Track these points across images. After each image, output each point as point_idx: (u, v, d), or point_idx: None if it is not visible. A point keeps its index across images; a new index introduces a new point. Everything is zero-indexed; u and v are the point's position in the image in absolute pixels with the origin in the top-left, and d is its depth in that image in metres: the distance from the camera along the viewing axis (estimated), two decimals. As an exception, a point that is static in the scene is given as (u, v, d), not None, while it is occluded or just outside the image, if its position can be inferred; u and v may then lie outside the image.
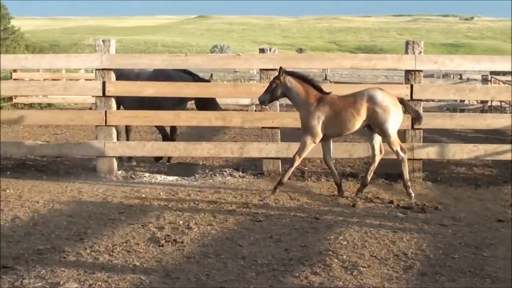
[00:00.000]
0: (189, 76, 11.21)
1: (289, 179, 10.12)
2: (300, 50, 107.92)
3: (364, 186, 9.11)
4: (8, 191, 9.19)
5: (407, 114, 9.24)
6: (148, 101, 10.89)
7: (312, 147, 8.95)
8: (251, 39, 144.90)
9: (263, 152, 10.31)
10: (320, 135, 8.84)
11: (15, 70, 25.16)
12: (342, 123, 8.76)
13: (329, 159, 9.15)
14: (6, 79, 25.15)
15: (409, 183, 8.91)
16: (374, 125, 8.75)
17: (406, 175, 8.90)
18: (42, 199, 8.64)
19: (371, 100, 8.63)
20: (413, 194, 8.79)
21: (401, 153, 8.81)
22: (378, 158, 9.07)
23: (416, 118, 9.08)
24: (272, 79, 9.16)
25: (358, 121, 8.70)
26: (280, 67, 9.01)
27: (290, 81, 8.90)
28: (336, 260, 6.00)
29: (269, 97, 8.99)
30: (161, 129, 11.71)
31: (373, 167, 9.09)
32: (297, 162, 9.05)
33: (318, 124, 8.77)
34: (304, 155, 9.04)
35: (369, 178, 9.11)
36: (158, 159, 11.62)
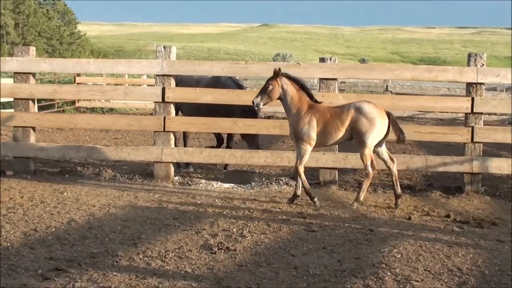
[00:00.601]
0: (234, 84, 11.26)
1: (344, 189, 10.09)
2: (363, 61, 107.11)
3: (398, 197, 8.98)
4: (65, 193, 9.34)
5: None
6: (206, 108, 10.94)
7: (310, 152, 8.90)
8: (313, 48, 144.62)
9: (320, 162, 10.24)
10: (314, 138, 8.76)
11: (78, 75, 25.66)
12: (328, 133, 8.74)
13: (301, 167, 8.97)
14: (69, 83, 25.73)
15: (362, 196, 8.84)
16: (354, 134, 8.66)
17: (364, 188, 8.85)
18: (99, 202, 8.75)
19: (358, 111, 8.59)
20: (355, 205, 8.75)
21: (369, 168, 8.70)
22: (393, 167, 8.97)
23: (399, 136, 8.83)
24: (267, 81, 8.91)
25: (342, 132, 8.69)
26: (279, 68, 8.87)
27: (287, 84, 8.82)
28: (389, 273, 5.92)
29: (264, 99, 8.84)
30: (217, 134, 11.79)
31: (395, 177, 8.98)
32: (301, 172, 8.91)
33: (309, 130, 8.71)
34: (305, 162, 8.93)
35: (398, 188, 8.99)
36: (187, 164, 11.70)
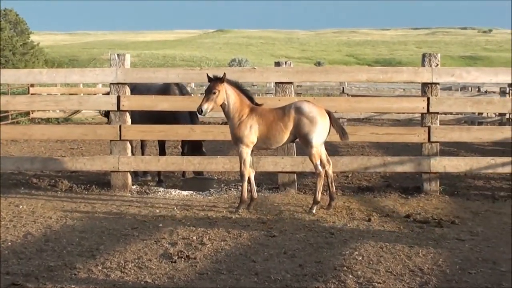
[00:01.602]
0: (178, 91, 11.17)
1: (304, 193, 10.09)
2: (318, 64, 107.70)
3: (332, 200, 9.01)
4: (21, 206, 9.18)
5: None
6: (157, 115, 10.81)
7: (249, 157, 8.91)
8: (269, 53, 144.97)
9: (279, 166, 10.23)
10: (253, 142, 8.77)
11: (32, 85, 25.32)
12: (272, 136, 8.74)
13: (251, 170, 9.03)
14: (23, 94, 25.36)
15: (319, 197, 8.81)
16: (299, 135, 8.69)
17: (319, 189, 8.78)
18: (55, 214, 8.61)
19: (298, 111, 8.61)
20: (314, 210, 8.75)
21: (319, 167, 8.75)
22: (329, 169, 8.97)
23: (341, 134, 8.87)
24: (210, 86, 8.77)
25: (286, 134, 8.70)
26: (224, 73, 8.80)
27: (229, 88, 8.78)
28: (351, 276, 5.92)
29: (211, 106, 8.72)
30: (160, 143, 11.67)
31: (330, 179, 9.00)
32: (246, 175, 8.90)
33: (250, 133, 8.70)
34: (248, 165, 8.91)
35: (333, 191, 9.04)
36: (145, 172, 11.62)
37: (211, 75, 8.76)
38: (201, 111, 8.67)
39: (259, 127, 8.72)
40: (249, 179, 8.95)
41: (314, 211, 8.72)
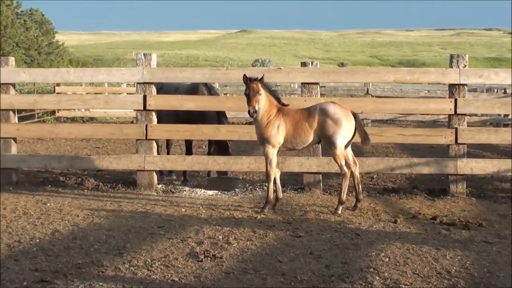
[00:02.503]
0: (207, 91, 11.18)
1: (329, 193, 10.07)
2: (342, 65, 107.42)
3: (359, 201, 8.99)
4: (48, 204, 9.26)
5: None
6: (183, 115, 10.85)
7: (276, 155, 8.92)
8: (292, 53, 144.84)
9: (304, 167, 10.22)
10: (280, 142, 8.78)
11: (58, 84, 25.50)
12: (298, 136, 8.73)
13: (277, 171, 9.04)
14: (49, 93, 25.55)
15: (344, 197, 8.79)
16: (323, 137, 8.65)
17: (344, 190, 8.75)
18: (82, 212, 8.67)
19: (323, 113, 8.58)
20: (339, 210, 8.71)
21: (344, 168, 8.71)
22: (355, 170, 8.93)
23: (364, 138, 8.82)
24: (253, 87, 8.58)
25: (311, 135, 8.68)
26: (263, 74, 8.80)
27: (263, 90, 8.79)
28: (377, 278, 5.89)
29: (258, 106, 8.63)
30: (187, 143, 11.70)
31: (357, 181, 8.97)
32: (272, 176, 8.90)
33: (277, 133, 8.71)
34: (274, 165, 8.92)
35: (360, 193, 9.02)
36: (170, 172, 11.66)
37: (249, 76, 8.70)
38: (254, 111, 8.57)
39: (286, 127, 8.72)
40: (274, 179, 8.95)
41: (339, 211, 8.69)
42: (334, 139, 8.55)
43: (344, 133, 8.57)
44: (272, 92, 8.95)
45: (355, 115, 8.75)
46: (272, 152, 8.83)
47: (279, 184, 9.10)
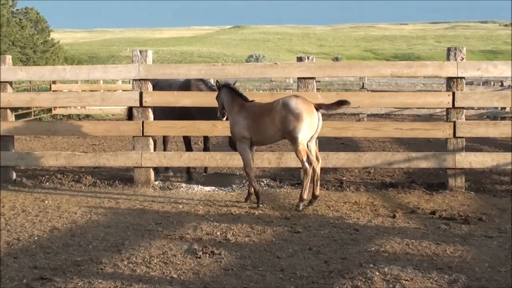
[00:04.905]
0: (204, 86, 11.17)
1: (326, 189, 10.05)
2: (336, 59, 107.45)
3: (315, 198, 8.94)
4: (46, 201, 9.25)
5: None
6: (179, 111, 10.82)
7: (249, 151, 9.01)
8: (286, 48, 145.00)
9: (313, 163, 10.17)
10: (245, 137, 8.87)
11: (54, 82, 25.48)
12: (261, 130, 8.74)
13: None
14: (45, 91, 25.51)
15: (305, 194, 8.68)
16: (284, 132, 8.55)
17: (305, 186, 8.62)
18: (80, 210, 8.66)
19: (285, 107, 8.46)
20: (301, 205, 8.65)
21: (306, 164, 8.55)
22: (317, 167, 8.86)
23: (339, 103, 8.60)
24: (218, 95, 9.38)
25: (275, 129, 8.62)
26: (216, 81, 9.39)
27: (222, 91, 9.21)
28: (377, 273, 5.85)
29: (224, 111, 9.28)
30: (186, 139, 11.67)
31: (317, 177, 8.90)
32: (250, 172, 9.01)
33: (240, 128, 8.83)
34: (248, 161, 9.00)
35: (317, 189, 8.96)
36: (166, 168, 11.66)
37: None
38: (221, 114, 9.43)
39: (247, 121, 8.78)
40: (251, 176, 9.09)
41: (300, 208, 8.61)
42: (294, 134, 8.42)
43: (305, 128, 8.41)
44: (235, 91, 9.13)
45: (319, 107, 8.61)
46: (242, 147, 8.96)
47: (253, 179, 9.12)
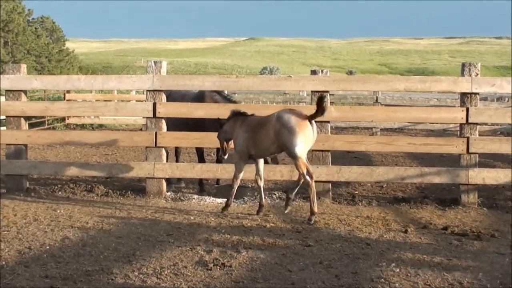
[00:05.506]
0: (220, 97, 11.19)
1: (338, 202, 10.03)
2: (350, 73, 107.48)
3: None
4: (58, 211, 9.27)
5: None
6: (192, 123, 10.84)
7: (244, 164, 9.25)
8: (301, 61, 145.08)
9: (314, 175, 10.14)
10: (243, 152, 8.99)
11: (68, 91, 25.59)
12: (258, 143, 8.80)
13: (258, 179, 9.27)
14: (59, 100, 25.64)
15: (315, 208, 8.66)
16: (281, 146, 8.59)
17: (313, 199, 8.61)
18: (92, 219, 8.67)
19: (278, 121, 8.49)
20: (313, 219, 8.62)
21: (307, 177, 8.54)
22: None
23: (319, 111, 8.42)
24: (219, 132, 9.51)
25: (271, 142, 8.65)
26: (218, 117, 9.60)
27: (228, 124, 9.37)
28: (388, 288, 5.82)
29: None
30: (198, 150, 11.69)
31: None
32: (236, 182, 9.30)
33: (241, 143, 8.95)
34: (239, 172, 9.25)
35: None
36: (179, 179, 11.71)
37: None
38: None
39: (244, 135, 8.91)
40: (259, 186, 9.30)
41: (312, 221, 8.59)
42: (291, 148, 8.43)
43: (300, 142, 8.39)
44: (237, 112, 9.32)
45: (311, 123, 8.54)
46: (238, 157, 9.17)
47: (262, 191, 9.28)
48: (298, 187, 8.98)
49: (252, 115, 9.21)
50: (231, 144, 9.43)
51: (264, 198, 10.33)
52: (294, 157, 8.48)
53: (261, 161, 9.27)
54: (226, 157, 9.56)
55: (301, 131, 8.39)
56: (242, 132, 8.94)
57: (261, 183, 9.25)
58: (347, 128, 27.03)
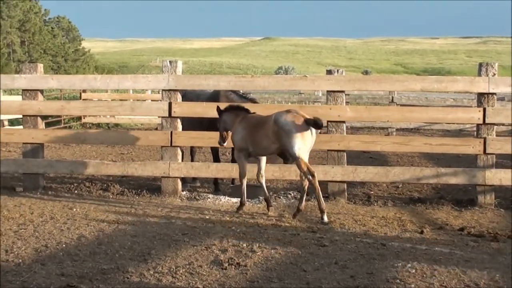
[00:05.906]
0: (239, 97, 11.17)
1: (354, 203, 10.00)
2: (366, 72, 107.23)
3: (299, 212, 8.95)
4: (74, 209, 9.33)
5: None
6: (207, 122, 10.85)
7: (245, 161, 9.32)
8: (316, 61, 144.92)
9: (329, 175, 10.15)
10: (241, 147, 9.07)
11: (84, 91, 25.69)
12: (256, 141, 8.84)
13: (259, 176, 9.33)
14: (75, 99, 25.76)
15: (323, 205, 8.66)
16: (282, 147, 8.62)
17: (319, 197, 8.60)
18: (108, 218, 8.71)
19: (275, 123, 8.52)
20: (325, 217, 8.62)
21: (309, 176, 8.53)
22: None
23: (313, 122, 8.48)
24: (218, 120, 9.57)
25: (269, 142, 8.69)
26: (217, 106, 9.54)
27: (227, 115, 9.37)
28: (404, 289, 5.79)
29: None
30: (213, 150, 11.69)
31: (302, 192, 9.01)
32: (243, 180, 9.35)
33: (239, 139, 9.04)
34: (244, 170, 9.30)
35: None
36: (194, 179, 11.73)
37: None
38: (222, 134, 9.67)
39: (242, 132, 8.99)
40: (261, 184, 9.39)
41: (325, 220, 8.60)
42: (290, 149, 8.47)
43: (298, 142, 8.40)
44: (238, 107, 9.40)
45: (307, 122, 8.47)
46: (238, 155, 9.27)
47: (265, 188, 9.36)
48: (304, 193, 8.92)
49: (254, 113, 9.27)
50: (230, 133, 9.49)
51: (278, 197, 10.39)
52: (293, 157, 8.52)
53: (263, 159, 9.30)
54: (225, 144, 9.61)
55: (298, 132, 8.41)
56: (241, 128, 9.02)
57: (263, 180, 9.34)
58: (362, 128, 26.99)
